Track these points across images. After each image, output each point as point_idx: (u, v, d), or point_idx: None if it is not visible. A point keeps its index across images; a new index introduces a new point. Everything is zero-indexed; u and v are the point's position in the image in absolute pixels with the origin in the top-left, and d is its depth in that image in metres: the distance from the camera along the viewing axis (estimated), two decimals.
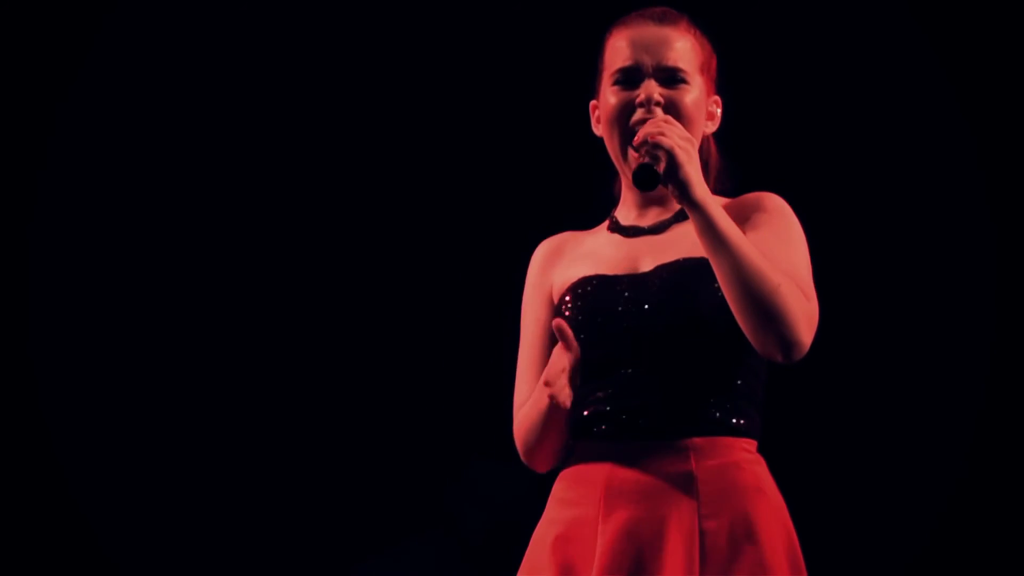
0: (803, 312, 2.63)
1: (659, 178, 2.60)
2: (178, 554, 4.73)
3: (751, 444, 2.72)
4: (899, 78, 4.55)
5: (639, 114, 2.74)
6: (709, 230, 2.60)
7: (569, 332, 2.65)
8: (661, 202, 2.81)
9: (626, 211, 2.86)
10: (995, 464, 4.50)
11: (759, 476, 2.69)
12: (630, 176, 2.72)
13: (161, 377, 4.75)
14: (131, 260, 4.74)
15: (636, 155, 2.67)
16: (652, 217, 2.82)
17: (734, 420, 2.69)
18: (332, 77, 4.76)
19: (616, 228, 2.85)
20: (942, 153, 4.53)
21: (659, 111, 2.73)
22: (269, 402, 4.78)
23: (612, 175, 2.93)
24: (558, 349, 2.67)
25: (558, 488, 2.76)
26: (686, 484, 2.64)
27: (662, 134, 2.62)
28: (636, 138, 2.66)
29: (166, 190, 4.75)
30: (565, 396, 2.66)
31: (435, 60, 4.74)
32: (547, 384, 2.66)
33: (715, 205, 2.63)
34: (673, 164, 2.60)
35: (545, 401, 2.70)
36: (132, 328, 4.74)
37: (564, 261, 2.86)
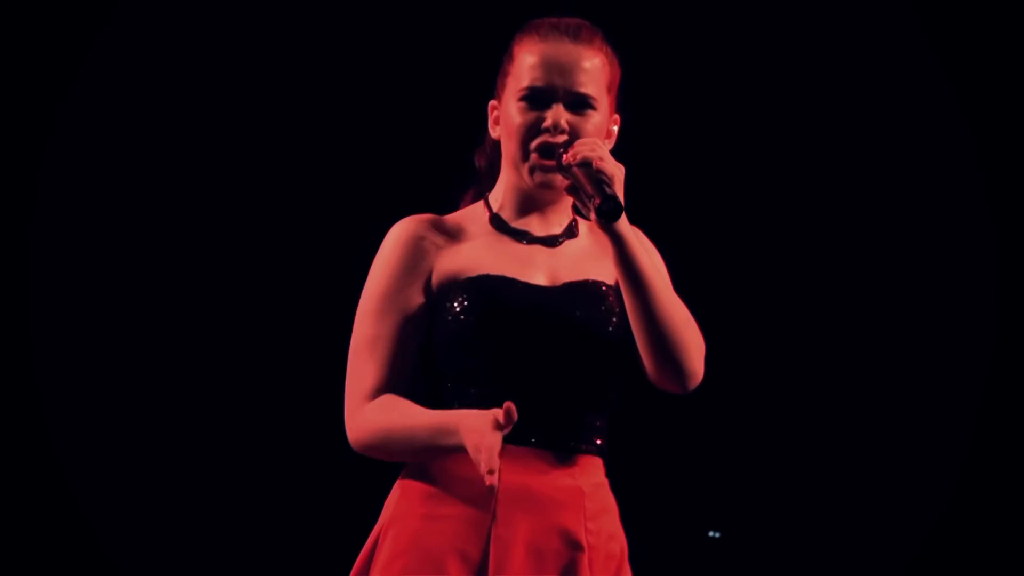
0: (701, 344, 2.71)
1: (623, 210, 2.61)
2: (178, 556, 4.73)
3: (602, 463, 2.76)
4: (899, 78, 4.55)
5: (543, 138, 2.73)
6: (631, 262, 2.64)
7: (515, 416, 2.55)
8: (542, 209, 2.81)
9: (509, 212, 2.82)
10: (995, 466, 4.50)
11: (614, 498, 2.75)
12: (528, 181, 2.75)
13: (162, 377, 4.75)
14: (131, 260, 4.74)
15: (563, 176, 2.69)
16: (539, 226, 2.81)
17: (602, 442, 2.74)
18: (332, 76, 4.76)
19: (503, 228, 2.81)
20: (942, 153, 4.53)
21: (563, 138, 2.72)
22: (271, 403, 4.78)
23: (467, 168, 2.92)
24: (491, 425, 2.55)
25: (431, 480, 2.69)
26: (575, 498, 2.67)
27: (602, 159, 2.63)
28: (569, 156, 2.67)
29: (166, 190, 4.75)
30: (495, 481, 2.54)
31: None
32: (481, 459, 2.53)
33: (634, 236, 2.66)
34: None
35: (448, 447, 2.62)
36: (132, 328, 4.74)
37: (447, 248, 2.78)
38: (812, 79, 4.54)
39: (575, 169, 2.65)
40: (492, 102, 2.85)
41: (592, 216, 2.65)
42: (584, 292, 2.73)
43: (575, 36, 2.77)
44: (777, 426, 4.53)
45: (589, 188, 2.62)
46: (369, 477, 4.74)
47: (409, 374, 2.74)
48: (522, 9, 2.88)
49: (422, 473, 2.72)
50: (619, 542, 2.72)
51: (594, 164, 2.63)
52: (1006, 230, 4.50)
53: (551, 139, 2.72)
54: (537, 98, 2.75)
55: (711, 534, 4.65)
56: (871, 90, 4.55)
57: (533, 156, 2.75)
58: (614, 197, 2.60)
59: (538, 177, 2.75)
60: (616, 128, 2.84)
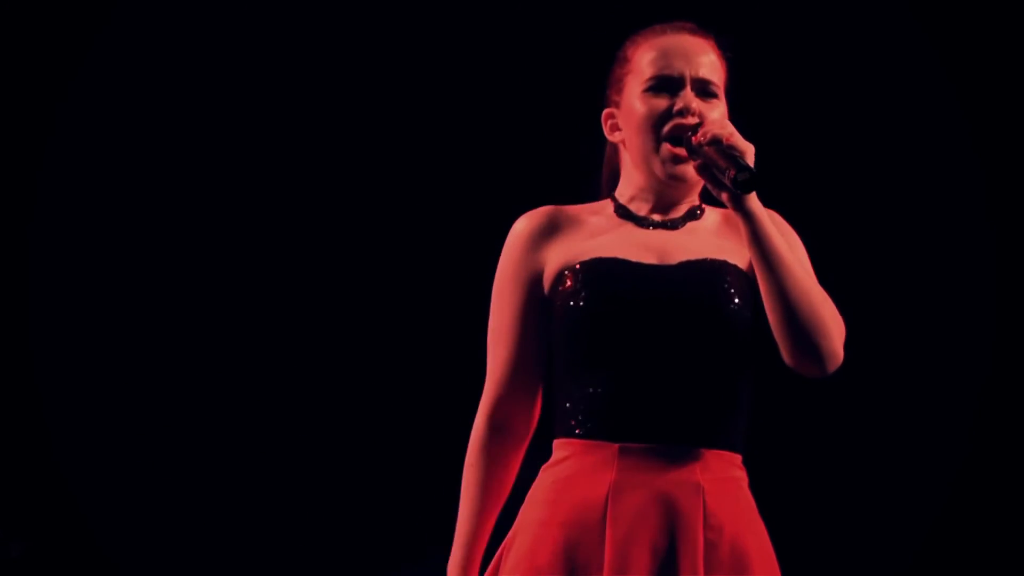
0: (841, 325, 2.64)
1: (758, 179, 2.56)
2: (178, 556, 4.73)
3: (740, 459, 2.70)
4: (899, 78, 4.55)
5: (675, 122, 2.72)
6: (764, 239, 2.60)
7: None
8: (669, 197, 2.79)
9: (634, 201, 2.81)
10: (994, 466, 4.50)
11: (750, 495, 2.69)
12: (660, 171, 2.74)
13: (161, 377, 4.75)
14: (131, 260, 4.74)
15: (693, 158, 2.65)
16: (662, 211, 2.79)
17: (734, 434, 2.67)
18: (331, 76, 4.76)
19: (625, 214, 2.79)
20: (942, 153, 4.53)
21: (693, 120, 2.71)
22: (270, 402, 4.78)
23: (596, 165, 2.94)
24: None
25: (548, 489, 2.69)
26: (694, 494, 2.61)
27: (732, 135, 2.60)
28: (699, 136, 2.63)
29: (166, 190, 4.75)
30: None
31: (416, 51, 4.74)
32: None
33: (765, 214, 2.61)
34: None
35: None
36: (132, 328, 4.74)
37: (562, 238, 2.79)
38: (811, 80, 4.54)
39: (705, 148, 2.61)
40: (606, 111, 2.85)
41: (725, 196, 2.60)
42: (700, 270, 2.67)
43: (693, 32, 2.81)
44: (776, 425, 4.53)
45: (722, 162, 2.58)
46: (369, 477, 4.75)
47: (536, 357, 2.75)
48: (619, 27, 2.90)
49: (543, 478, 2.71)
50: (750, 539, 2.63)
51: (724, 140, 2.59)
52: (1006, 230, 4.50)
53: (682, 121, 2.71)
54: (664, 86, 2.75)
55: None
56: (871, 91, 4.55)
57: (665, 146, 2.73)
58: (749, 167, 2.55)
59: (669, 168, 2.74)
60: None
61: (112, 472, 4.72)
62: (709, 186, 2.63)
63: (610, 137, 2.84)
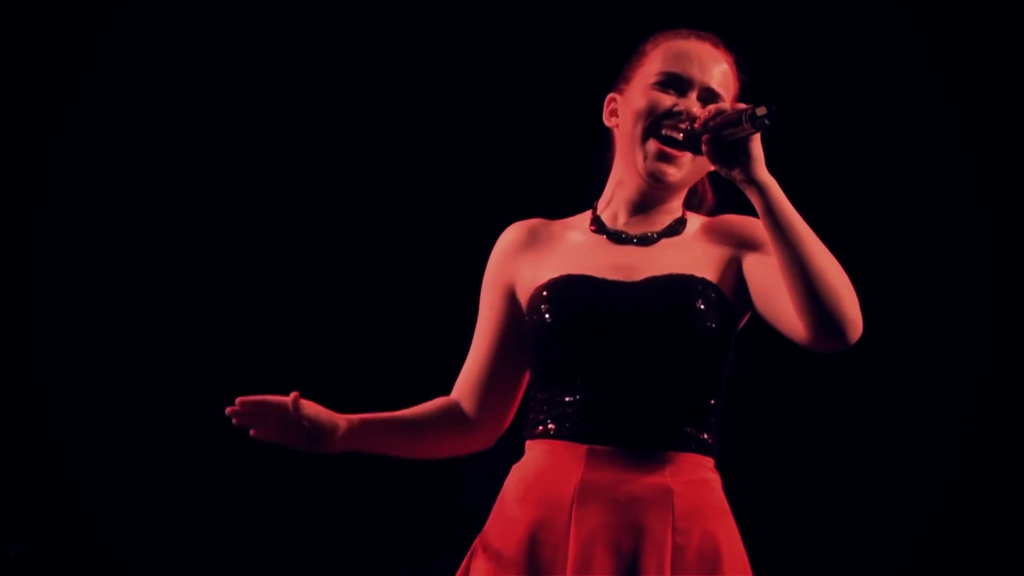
0: (855, 296, 2.63)
1: (775, 108, 2.54)
2: (178, 556, 4.73)
3: (712, 462, 2.73)
4: (899, 77, 4.55)
5: (672, 122, 2.75)
6: (778, 209, 2.60)
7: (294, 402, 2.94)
8: (649, 210, 2.83)
9: (612, 213, 2.85)
10: (995, 466, 4.50)
11: (722, 497, 2.72)
12: (641, 166, 2.77)
13: (161, 377, 4.75)
14: (131, 260, 4.74)
15: (697, 140, 2.65)
16: (639, 226, 2.82)
17: (705, 437, 2.70)
18: (330, 77, 4.76)
19: (601, 230, 2.84)
20: (942, 153, 4.53)
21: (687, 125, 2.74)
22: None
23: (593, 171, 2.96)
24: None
25: (516, 487, 2.73)
26: (662, 496, 2.64)
27: (736, 105, 2.62)
28: (705, 115, 2.63)
29: (166, 190, 4.75)
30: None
31: (412, 53, 4.75)
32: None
33: (777, 185, 2.62)
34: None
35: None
36: (133, 328, 4.74)
37: (537, 253, 2.85)
38: (811, 80, 4.54)
39: (711, 123, 2.62)
40: (610, 95, 2.88)
41: (736, 173, 2.59)
42: (664, 285, 2.71)
43: (715, 44, 2.84)
44: (776, 426, 4.53)
45: (734, 117, 2.57)
46: (369, 477, 4.75)
47: (498, 360, 2.87)
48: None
49: (513, 475, 2.76)
50: (721, 541, 2.66)
51: (728, 108, 2.61)
52: (1006, 230, 4.50)
53: (679, 124, 2.73)
54: (672, 84, 2.79)
55: None
56: (871, 90, 4.55)
57: (652, 141, 2.76)
58: (762, 103, 2.54)
59: (651, 164, 2.77)
60: None
61: (112, 472, 4.72)
62: (717, 165, 2.64)
63: (607, 122, 2.88)
